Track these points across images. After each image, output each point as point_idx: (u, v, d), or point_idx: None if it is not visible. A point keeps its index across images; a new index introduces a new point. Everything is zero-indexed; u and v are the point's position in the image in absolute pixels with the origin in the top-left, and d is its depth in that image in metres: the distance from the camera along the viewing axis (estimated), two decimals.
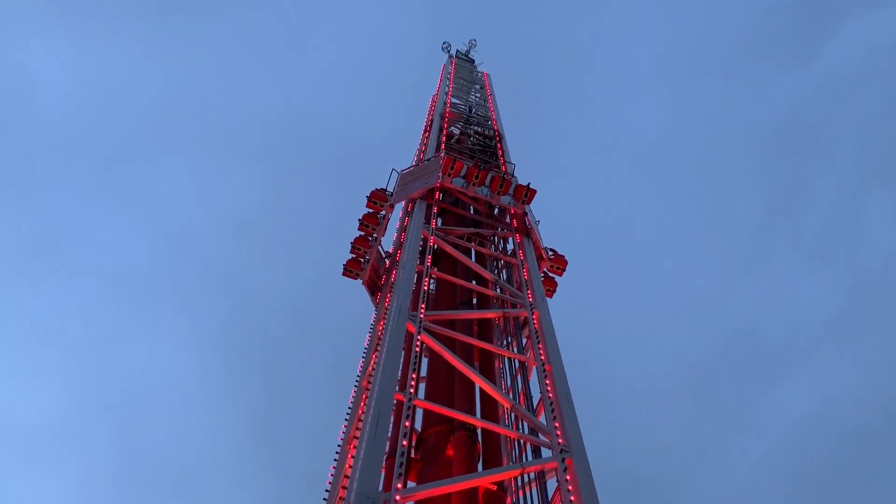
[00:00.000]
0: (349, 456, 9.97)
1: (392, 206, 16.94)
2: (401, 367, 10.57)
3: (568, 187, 69.26)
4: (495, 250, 17.88)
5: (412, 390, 10.27)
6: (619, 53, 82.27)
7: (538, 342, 12.17)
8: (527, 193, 17.41)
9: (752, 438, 56.78)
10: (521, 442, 11.12)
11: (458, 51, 37.21)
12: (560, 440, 9.86)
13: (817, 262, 66.73)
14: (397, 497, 8.14)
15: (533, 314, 13.28)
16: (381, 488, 8.25)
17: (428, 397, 12.16)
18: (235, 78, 75.92)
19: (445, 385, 12.61)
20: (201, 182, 68.54)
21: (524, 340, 13.56)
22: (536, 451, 10.46)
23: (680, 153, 76.14)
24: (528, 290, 14.21)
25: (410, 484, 9.72)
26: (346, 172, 70.26)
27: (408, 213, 16.96)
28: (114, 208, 64.44)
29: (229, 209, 66.56)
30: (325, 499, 10.16)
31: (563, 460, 9.48)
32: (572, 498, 8.89)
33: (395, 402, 9.70)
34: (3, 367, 53.57)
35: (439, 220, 18.26)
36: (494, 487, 10.59)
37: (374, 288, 17.27)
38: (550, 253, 17.83)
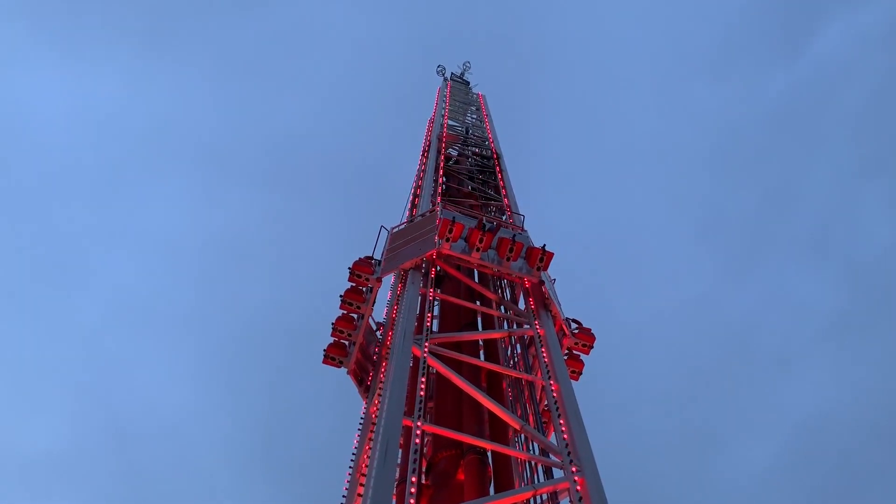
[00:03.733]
0: (359, 484, 9.86)
1: (380, 280, 14.06)
2: (406, 393, 10.50)
3: (559, 191, 69.42)
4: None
5: (420, 415, 10.20)
6: (605, 57, 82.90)
7: (547, 369, 12.02)
8: (542, 258, 14.09)
9: (755, 440, 56.42)
10: (533, 463, 11.01)
11: (452, 73, 37.55)
12: (571, 459, 9.77)
13: (814, 258, 66.62)
14: None
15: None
16: None
17: (436, 422, 12.08)
18: (229, 100, 76.48)
19: (453, 408, 12.53)
20: (197, 205, 68.78)
21: (531, 360, 13.50)
22: (548, 472, 10.37)
23: (670, 154, 76.41)
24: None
25: None
26: (344, 192, 70.66)
27: (401, 280, 14.48)
28: (111, 235, 64.77)
29: (226, 232, 66.75)
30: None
31: (574, 480, 9.39)
32: None
33: (402, 428, 9.62)
34: (4, 399, 53.43)
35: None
36: None
37: (363, 376, 14.12)
38: (574, 327, 14.44)
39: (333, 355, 13.99)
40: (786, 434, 56.26)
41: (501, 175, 22.46)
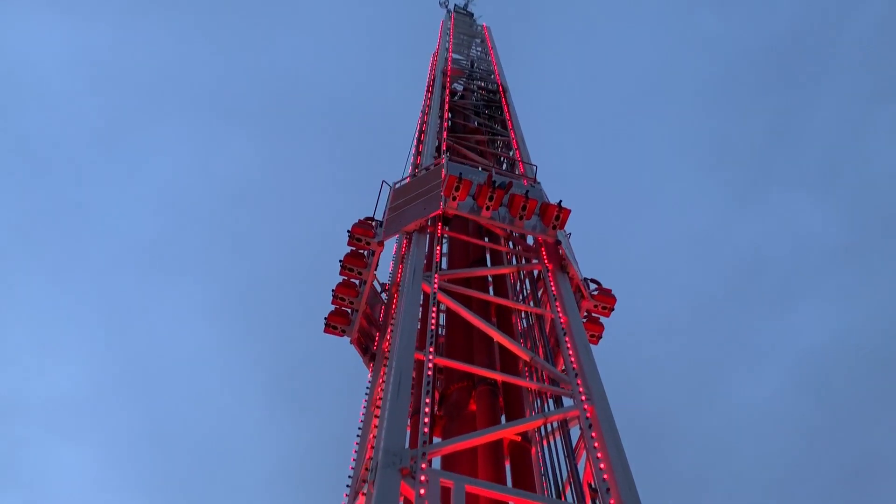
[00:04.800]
0: (374, 417, 10.13)
1: (382, 244, 13.08)
2: (418, 329, 10.67)
3: (563, 124, 68.64)
4: None
5: (431, 349, 10.38)
6: None
7: (555, 300, 12.18)
8: (558, 216, 13.02)
9: (762, 370, 57.19)
10: (543, 393, 11.25)
11: (455, 5, 36.72)
12: (581, 388, 9.98)
13: (822, 187, 66.12)
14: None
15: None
16: (407, 446, 8.42)
17: (447, 355, 12.30)
18: (227, 43, 75.34)
19: (464, 343, 12.74)
20: (200, 150, 68.54)
21: (540, 295, 13.62)
22: (558, 401, 10.61)
23: (676, 84, 75.08)
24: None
25: (436, 440, 9.89)
26: (347, 133, 70.14)
27: (406, 239, 13.54)
28: (115, 181, 64.79)
29: (229, 176, 66.66)
30: (353, 458, 10.41)
31: (584, 408, 9.61)
32: (596, 444, 9.04)
33: (415, 361, 9.81)
34: (22, 346, 54.69)
35: None
36: (519, 438, 10.78)
37: (367, 344, 13.44)
38: (593, 287, 13.50)
39: (335, 324, 13.20)
40: (792, 363, 57.02)
41: (508, 109, 22.19)
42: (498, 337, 11.54)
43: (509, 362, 12.62)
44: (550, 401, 10.77)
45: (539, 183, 15.78)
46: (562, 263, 13.01)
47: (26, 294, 56.87)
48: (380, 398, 9.96)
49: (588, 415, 9.54)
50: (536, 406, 11.45)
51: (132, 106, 67.90)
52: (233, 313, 59.97)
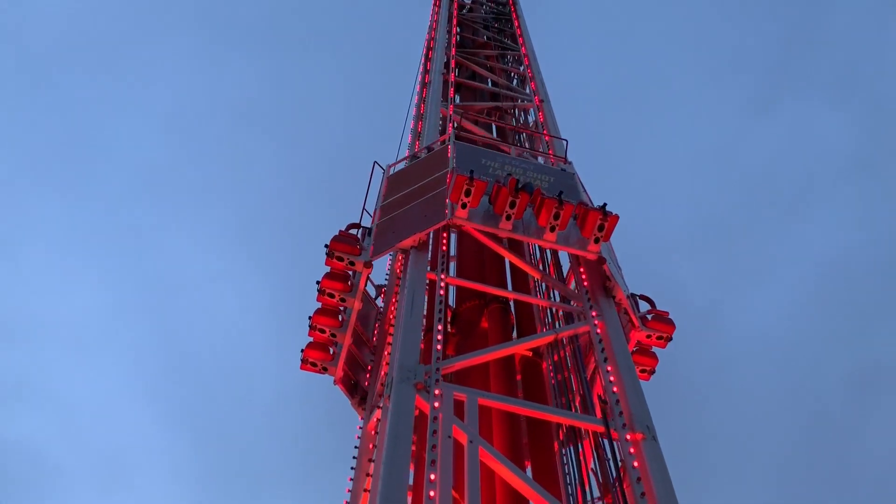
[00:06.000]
0: (388, 335, 10.36)
1: (370, 264, 10.24)
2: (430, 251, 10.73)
3: (569, 36, 66.59)
4: (516, 123, 17.68)
5: (443, 269, 10.48)
6: None
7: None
8: (602, 225, 9.96)
9: (773, 285, 57.35)
10: (554, 310, 11.42)
11: None
12: (591, 305, 10.12)
13: (836, 97, 64.33)
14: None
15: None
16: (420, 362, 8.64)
17: (459, 275, 12.45)
18: None
19: (476, 263, 12.85)
20: (203, 70, 67.32)
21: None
22: (568, 318, 10.79)
23: None
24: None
25: (450, 356, 10.11)
26: (352, 51, 68.66)
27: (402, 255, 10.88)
28: (121, 103, 64.10)
29: (234, 97, 65.79)
30: (367, 374, 10.67)
31: (595, 324, 9.77)
32: (607, 358, 9.25)
33: (427, 281, 9.94)
34: (39, 269, 55.70)
35: (457, 98, 17.97)
36: (530, 354, 11.02)
37: (357, 379, 10.92)
38: (646, 309, 10.68)
39: (313, 360, 10.54)
40: (805, 276, 57.09)
41: (518, 21, 21.58)
42: (509, 255, 11.61)
43: (520, 280, 12.81)
44: (562, 318, 10.94)
45: (571, 163, 13.00)
46: (605, 285, 10.40)
47: (40, 218, 57.49)
48: (393, 316, 10.13)
49: (599, 330, 9.70)
50: (547, 322, 11.65)
51: (131, 24, 66.57)
52: (244, 235, 60.49)
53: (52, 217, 57.73)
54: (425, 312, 9.41)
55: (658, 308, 10.67)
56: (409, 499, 8.35)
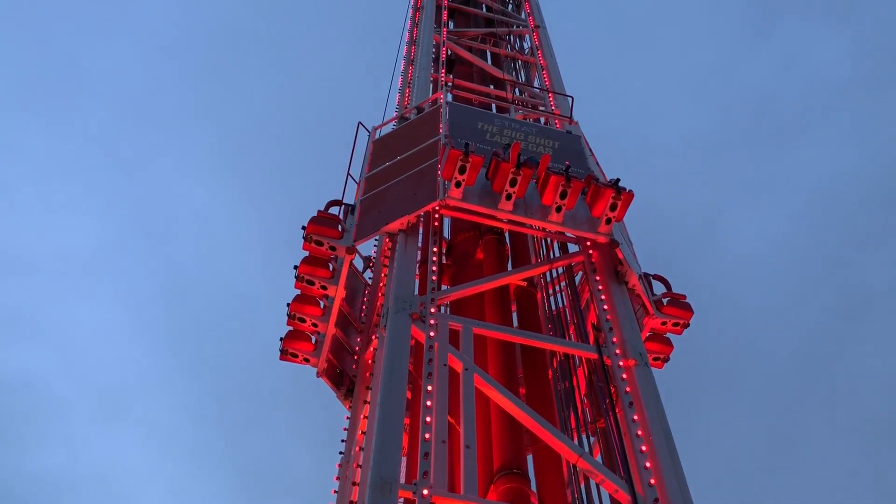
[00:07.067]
0: (383, 266, 10.41)
1: (353, 249, 9.30)
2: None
3: None
4: (511, 50, 17.32)
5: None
6: None
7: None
8: (615, 204, 9.05)
9: (767, 209, 57.44)
10: (548, 241, 11.48)
11: None
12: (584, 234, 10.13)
13: (834, 19, 63.02)
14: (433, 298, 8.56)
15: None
16: (416, 293, 8.74)
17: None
18: None
19: None
20: None
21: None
22: (563, 248, 10.86)
23: None
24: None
25: (445, 287, 10.22)
26: None
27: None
28: (103, 30, 62.49)
29: (220, 21, 64.07)
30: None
31: (589, 253, 9.83)
32: (600, 286, 9.34)
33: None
34: (30, 203, 55.30)
35: (450, 24, 17.55)
36: (524, 284, 11.13)
37: (343, 369, 9.99)
38: (661, 292, 9.85)
39: (294, 350, 9.63)
40: (799, 201, 57.10)
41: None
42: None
43: None
44: (556, 248, 11.01)
45: (577, 123, 11.95)
46: (617, 270, 9.46)
47: (28, 150, 56.61)
48: (388, 248, 10.17)
49: (592, 258, 9.77)
50: (542, 253, 11.72)
51: None
52: (235, 164, 59.85)
53: (40, 149, 56.93)
54: (420, 245, 9.45)
55: (674, 291, 9.82)
56: (407, 424, 8.59)
